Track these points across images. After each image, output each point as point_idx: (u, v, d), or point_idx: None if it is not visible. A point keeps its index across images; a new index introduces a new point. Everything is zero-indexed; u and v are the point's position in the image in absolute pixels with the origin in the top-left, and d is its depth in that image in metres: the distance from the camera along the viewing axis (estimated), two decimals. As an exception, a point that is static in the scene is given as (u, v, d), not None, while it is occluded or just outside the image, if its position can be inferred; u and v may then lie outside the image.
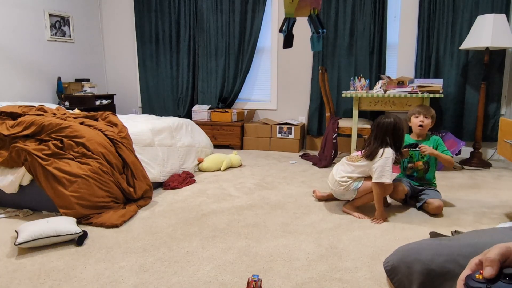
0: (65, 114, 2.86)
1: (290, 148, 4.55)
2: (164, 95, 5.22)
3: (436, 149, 2.51)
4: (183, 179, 3.11)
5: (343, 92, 3.73)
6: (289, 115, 4.87)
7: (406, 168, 2.60)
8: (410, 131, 2.68)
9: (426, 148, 2.41)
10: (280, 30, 2.45)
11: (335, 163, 3.74)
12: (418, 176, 2.58)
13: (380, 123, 2.32)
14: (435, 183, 2.60)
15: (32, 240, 1.87)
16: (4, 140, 2.49)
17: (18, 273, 1.69)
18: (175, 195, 2.82)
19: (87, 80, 4.99)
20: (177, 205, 2.60)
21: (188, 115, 5.05)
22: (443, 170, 3.57)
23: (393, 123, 2.30)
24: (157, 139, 3.08)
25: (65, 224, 1.99)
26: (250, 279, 1.50)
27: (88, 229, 2.16)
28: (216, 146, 4.69)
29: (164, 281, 1.61)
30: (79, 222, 2.21)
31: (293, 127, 4.51)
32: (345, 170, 2.41)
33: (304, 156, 4.20)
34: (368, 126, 3.65)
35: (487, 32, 3.44)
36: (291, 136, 4.52)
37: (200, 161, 3.59)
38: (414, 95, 3.41)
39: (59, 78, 4.63)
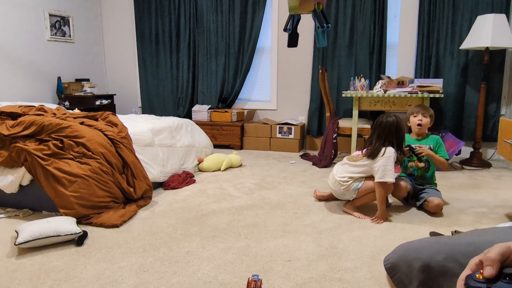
0: (65, 114, 2.86)
1: (290, 148, 4.55)
2: (164, 95, 5.22)
3: (437, 148, 2.53)
4: (183, 179, 3.11)
5: (343, 92, 3.73)
6: (289, 115, 4.87)
7: (406, 167, 2.61)
8: (409, 131, 2.69)
9: (423, 149, 2.42)
10: (285, 29, 2.43)
11: (335, 163, 3.74)
12: (418, 175, 2.58)
13: (382, 122, 2.32)
14: (435, 183, 2.61)
15: (32, 240, 1.87)
16: (4, 140, 2.49)
17: (18, 273, 1.69)
18: (175, 195, 2.82)
19: (87, 80, 4.99)
20: (177, 205, 2.60)
21: (188, 115, 5.05)
22: (443, 170, 3.57)
23: (396, 122, 2.31)
24: (157, 139, 3.08)
25: (65, 224, 1.99)
26: (250, 279, 1.50)
27: (88, 229, 2.16)
28: (216, 146, 4.68)
29: (164, 281, 1.61)
30: (79, 222, 2.21)
31: (293, 127, 4.51)
32: (346, 170, 2.41)
33: (304, 156, 4.20)
34: (368, 126, 3.65)
35: (487, 32, 3.44)
36: (291, 136, 4.52)
37: (200, 161, 3.59)
38: (414, 95, 3.41)
39: (59, 78, 4.63)
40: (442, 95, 3.40)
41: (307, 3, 2.17)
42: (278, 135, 4.57)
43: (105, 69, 5.54)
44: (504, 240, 0.57)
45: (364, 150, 2.39)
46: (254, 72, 4.94)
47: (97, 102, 4.71)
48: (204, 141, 3.84)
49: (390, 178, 2.24)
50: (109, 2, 5.36)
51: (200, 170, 3.59)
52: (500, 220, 2.32)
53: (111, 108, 4.99)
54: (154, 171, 2.91)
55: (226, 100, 4.97)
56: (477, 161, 3.77)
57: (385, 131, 2.30)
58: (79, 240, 1.98)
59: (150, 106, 5.31)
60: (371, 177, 2.34)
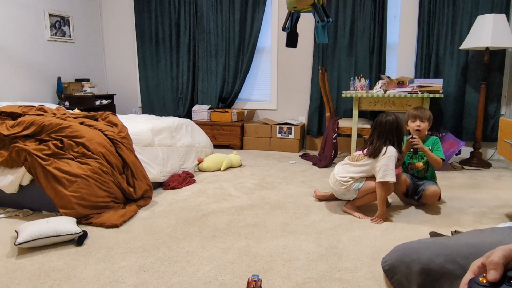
0: (65, 114, 2.86)
1: (290, 148, 4.55)
2: (164, 95, 5.22)
3: (433, 148, 2.53)
4: (183, 179, 3.11)
5: (343, 92, 3.73)
6: (289, 115, 4.87)
7: (407, 169, 2.61)
8: (408, 133, 2.69)
9: (419, 142, 2.43)
10: (283, 28, 2.37)
11: (335, 163, 3.74)
12: (419, 176, 2.59)
13: (382, 122, 2.33)
14: (435, 181, 2.61)
15: (32, 240, 1.87)
16: (4, 140, 2.49)
17: (18, 273, 1.69)
18: (175, 195, 2.82)
19: (87, 80, 4.99)
20: (177, 205, 2.60)
21: (188, 115, 5.05)
22: (443, 170, 3.57)
23: (396, 120, 2.31)
24: (157, 139, 3.08)
25: (65, 224, 1.99)
26: (250, 279, 1.50)
27: (88, 229, 2.16)
28: (216, 146, 4.69)
29: (164, 281, 1.61)
30: (79, 222, 2.21)
31: (293, 127, 4.51)
32: (347, 170, 2.41)
33: (304, 156, 4.20)
34: (368, 126, 3.65)
35: (487, 32, 3.44)
36: (291, 136, 4.52)
37: (200, 161, 3.59)
38: (414, 95, 3.41)
39: (59, 78, 4.63)
40: (442, 95, 3.40)
41: None
42: (278, 135, 4.57)
43: (105, 69, 5.54)
44: (504, 241, 0.57)
45: (365, 150, 2.39)
46: (254, 72, 4.94)
47: (97, 102, 4.71)
48: (204, 141, 3.84)
49: (391, 177, 2.24)
50: (109, 2, 5.36)
51: (200, 170, 3.59)
52: (500, 220, 2.32)
53: (111, 108, 4.99)
54: (154, 171, 2.91)
55: (226, 100, 4.97)
56: (477, 161, 3.77)
57: (385, 130, 2.30)
58: (79, 240, 1.98)
59: (150, 106, 5.31)
60: (372, 178, 2.34)
